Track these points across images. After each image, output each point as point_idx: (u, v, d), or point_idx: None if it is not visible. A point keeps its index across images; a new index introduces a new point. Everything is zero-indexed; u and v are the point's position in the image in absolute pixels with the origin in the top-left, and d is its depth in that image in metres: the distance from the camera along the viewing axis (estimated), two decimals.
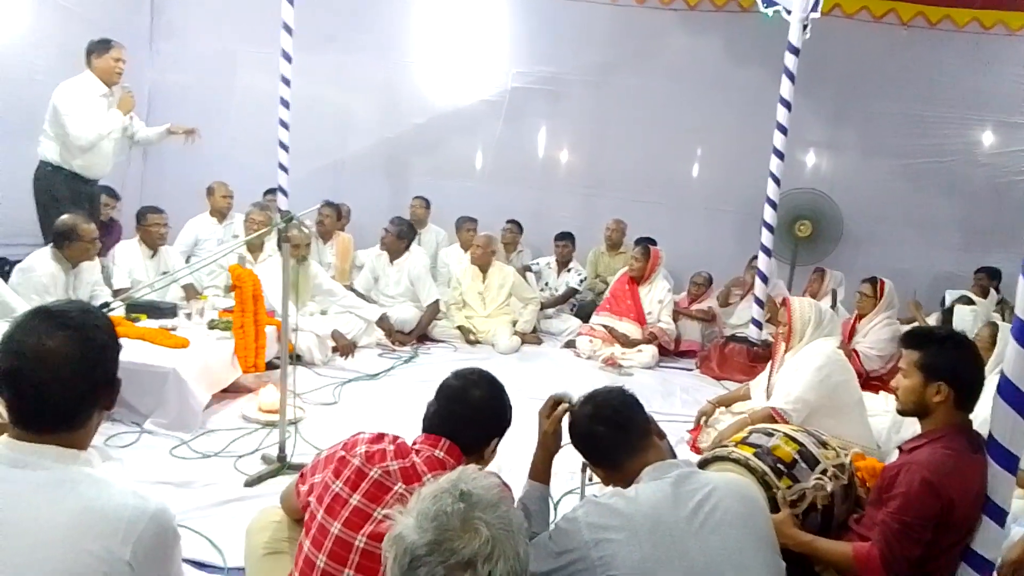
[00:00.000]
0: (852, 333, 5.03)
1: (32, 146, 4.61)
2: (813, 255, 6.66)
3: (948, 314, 5.10)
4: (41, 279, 3.94)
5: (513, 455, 3.52)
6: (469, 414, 1.81)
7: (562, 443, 2.07)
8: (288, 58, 5.80)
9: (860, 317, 5.09)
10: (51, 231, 4.13)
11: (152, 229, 5.16)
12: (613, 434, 1.85)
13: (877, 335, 4.88)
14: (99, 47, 4.59)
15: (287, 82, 5.83)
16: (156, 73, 7.19)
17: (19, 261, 4.12)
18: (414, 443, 1.79)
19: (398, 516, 1.19)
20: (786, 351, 3.62)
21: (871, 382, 4.67)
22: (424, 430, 1.82)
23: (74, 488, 1.31)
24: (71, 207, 4.25)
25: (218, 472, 3.15)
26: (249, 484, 3.03)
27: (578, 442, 1.93)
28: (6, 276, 4.04)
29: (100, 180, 4.89)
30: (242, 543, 2.05)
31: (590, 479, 2.15)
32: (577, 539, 1.65)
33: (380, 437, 1.76)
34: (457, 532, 1.15)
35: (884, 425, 3.55)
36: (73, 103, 4.44)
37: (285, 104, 5.85)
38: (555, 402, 2.07)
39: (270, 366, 4.16)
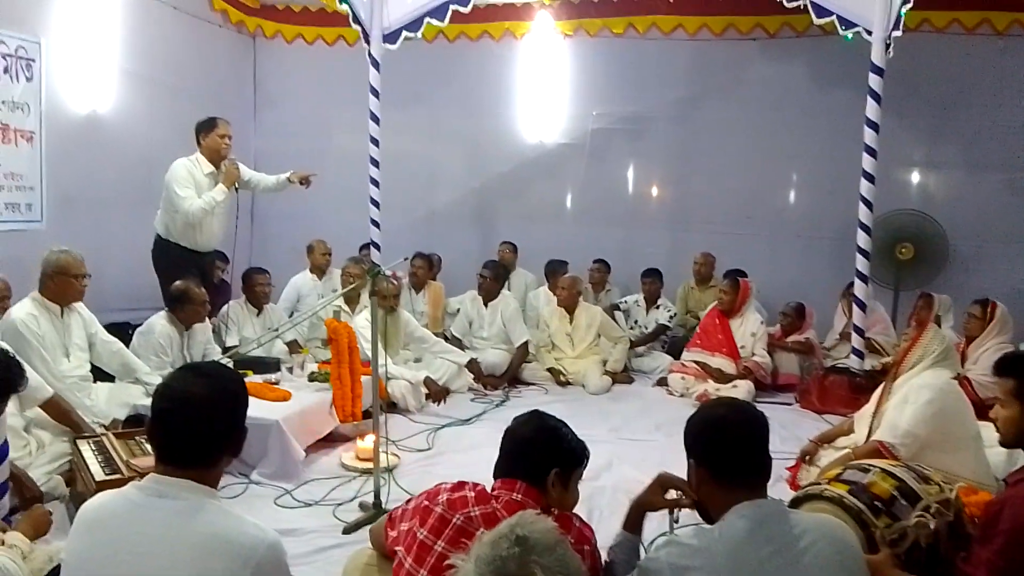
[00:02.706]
0: (963, 359, 4.73)
1: (150, 218, 5.02)
2: (917, 279, 6.33)
3: None
4: (158, 340, 4.27)
5: (608, 494, 3.55)
6: (522, 450, 1.89)
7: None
8: (376, 119, 6.11)
9: (969, 341, 4.79)
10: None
11: (257, 289, 5.50)
12: (759, 451, 1.80)
13: (990, 361, 4.57)
14: (206, 126, 4.93)
15: (376, 141, 6.14)
16: (260, 140, 7.74)
17: (140, 325, 4.48)
18: (493, 489, 1.85)
19: (459, 562, 1.24)
20: (895, 378, 3.44)
21: (987, 408, 4.36)
22: (496, 476, 1.89)
23: (205, 516, 1.54)
24: (184, 275, 4.55)
25: (319, 520, 3.28)
26: (347, 531, 3.15)
27: (712, 440, 1.83)
28: (128, 339, 4.39)
29: (213, 248, 5.22)
30: None
31: (676, 521, 2.14)
32: None
33: (461, 485, 1.85)
34: (519, 573, 1.18)
35: (1003, 457, 3.32)
36: (182, 183, 4.78)
37: (375, 163, 6.17)
38: (663, 486, 2.00)
39: (367, 415, 4.30)
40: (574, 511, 1.93)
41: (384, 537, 1.93)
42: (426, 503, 1.81)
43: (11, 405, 3.22)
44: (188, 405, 1.58)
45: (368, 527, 3.14)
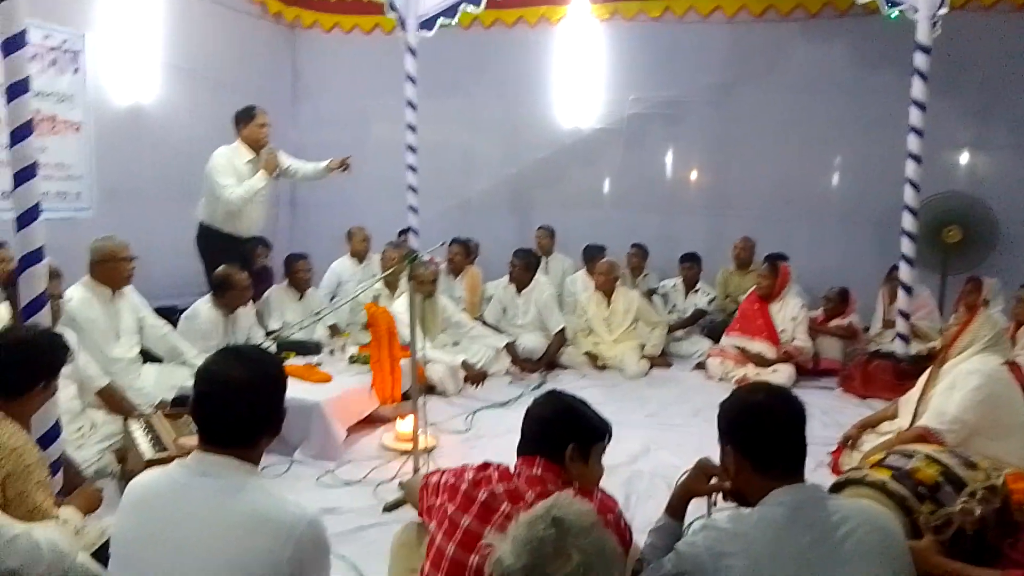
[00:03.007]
0: (1012, 344, 4.61)
1: (192, 207, 5.13)
2: (965, 262, 6.17)
3: None
4: (203, 325, 4.38)
5: (645, 479, 3.56)
6: (540, 428, 1.94)
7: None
8: (413, 106, 6.14)
9: (1019, 325, 4.67)
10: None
11: (299, 274, 5.58)
12: (797, 437, 1.79)
13: None
14: (244, 116, 5.02)
15: (413, 129, 6.17)
16: (299, 132, 7.80)
17: (186, 309, 4.59)
18: (515, 468, 1.90)
19: (497, 541, 1.26)
20: (942, 363, 3.38)
21: None
22: (519, 455, 1.94)
23: (247, 494, 1.58)
24: (227, 261, 4.65)
25: (359, 499, 3.35)
26: (387, 510, 3.21)
27: (751, 427, 1.81)
28: (175, 323, 4.51)
29: (254, 234, 5.33)
30: (380, 566, 2.21)
31: (714, 504, 2.13)
32: (696, 563, 1.65)
33: (485, 466, 1.90)
34: (550, 557, 1.21)
35: None
36: (223, 172, 4.87)
37: (412, 150, 6.20)
38: (707, 474, 2.00)
39: (406, 397, 4.35)
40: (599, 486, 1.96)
41: (420, 498, 2.01)
42: (453, 480, 1.88)
43: (72, 390, 3.35)
44: (228, 388, 1.62)
45: (406, 506, 3.22)
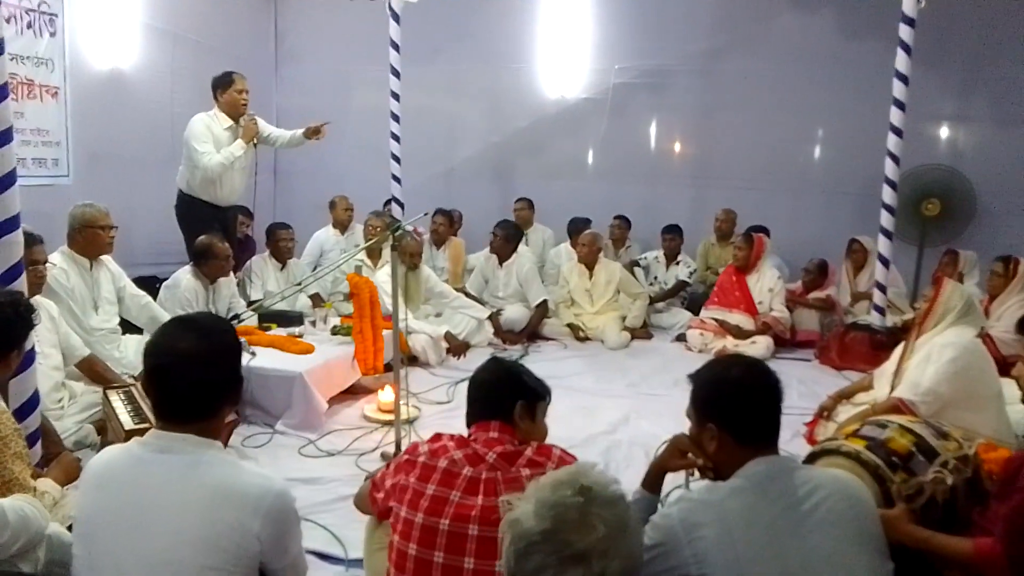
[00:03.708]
0: (986, 316, 4.69)
1: (174, 173, 5.05)
2: (944, 235, 6.24)
3: None
4: (184, 294, 4.34)
5: (624, 448, 3.61)
6: (486, 392, 1.99)
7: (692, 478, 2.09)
8: (396, 73, 6.05)
9: (992, 298, 4.74)
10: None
11: (281, 244, 5.54)
12: (775, 409, 1.80)
13: (1013, 318, 4.52)
14: (222, 82, 4.93)
15: (396, 96, 6.09)
16: (281, 97, 7.72)
17: (167, 279, 4.55)
18: (469, 435, 1.93)
19: (517, 502, 1.24)
20: (918, 336, 3.42)
21: (1008, 365, 4.33)
22: (469, 425, 1.97)
23: (210, 468, 1.54)
24: (208, 230, 4.60)
25: (341, 469, 3.37)
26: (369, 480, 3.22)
27: (731, 402, 1.80)
28: (155, 293, 4.47)
29: (234, 203, 5.26)
30: (361, 535, 2.22)
31: (693, 476, 2.16)
32: (670, 535, 1.65)
33: (438, 436, 1.91)
34: (574, 525, 1.18)
35: (1021, 416, 3.31)
36: (201, 138, 4.80)
37: (395, 118, 6.12)
38: (682, 450, 1.98)
39: (388, 368, 4.36)
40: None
41: (371, 501, 1.97)
42: (408, 457, 1.87)
43: (56, 359, 3.32)
44: (181, 361, 1.56)
45: None
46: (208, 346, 1.59)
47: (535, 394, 2.01)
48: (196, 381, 1.57)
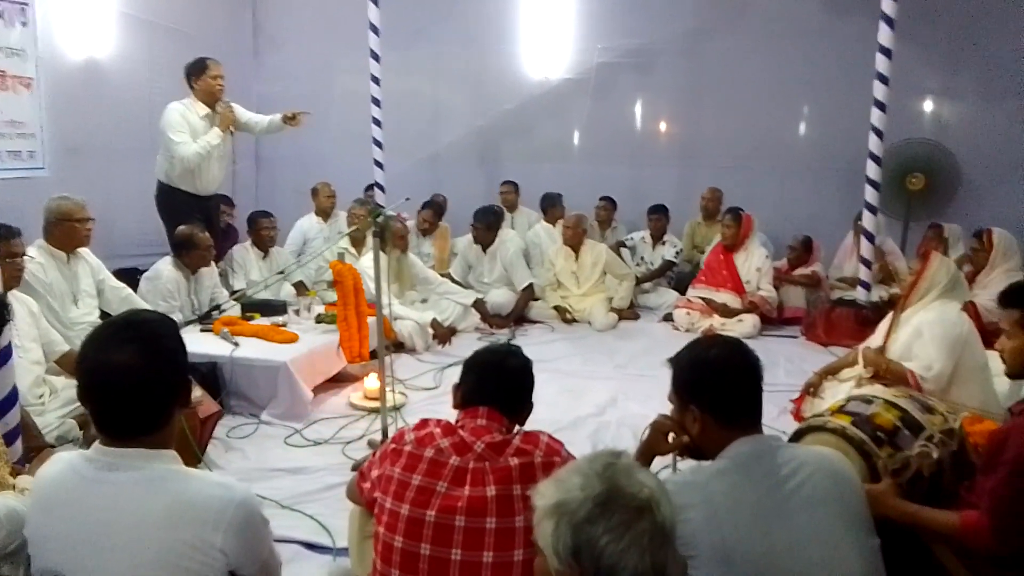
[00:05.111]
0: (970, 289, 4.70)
1: (153, 163, 4.98)
2: (928, 210, 6.25)
3: None
4: (166, 285, 4.29)
5: (612, 429, 3.60)
6: (510, 382, 1.95)
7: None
8: (377, 57, 5.98)
9: (976, 273, 4.76)
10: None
11: (263, 233, 5.49)
12: (757, 389, 1.79)
13: (999, 287, 4.53)
14: (196, 69, 4.85)
15: (377, 81, 6.02)
16: (262, 84, 7.60)
17: (148, 270, 4.50)
18: (456, 421, 1.90)
19: (546, 490, 1.21)
20: (903, 310, 3.42)
21: (992, 335, 4.35)
22: (461, 407, 1.94)
23: (164, 484, 1.41)
24: (190, 220, 4.54)
25: (328, 458, 3.35)
26: (356, 468, 3.18)
27: (713, 384, 1.79)
28: (137, 284, 4.42)
29: (214, 191, 5.19)
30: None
31: (681, 456, 2.15)
32: None
33: (424, 423, 1.88)
34: (628, 481, 1.18)
35: (1007, 387, 3.32)
36: (176, 127, 4.73)
37: (376, 102, 6.05)
38: (664, 432, 1.98)
39: (374, 355, 4.34)
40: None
41: (359, 492, 1.94)
42: (394, 446, 1.84)
43: (37, 353, 3.28)
44: (117, 375, 1.39)
45: None
46: (149, 356, 1.41)
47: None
48: (138, 396, 1.40)
